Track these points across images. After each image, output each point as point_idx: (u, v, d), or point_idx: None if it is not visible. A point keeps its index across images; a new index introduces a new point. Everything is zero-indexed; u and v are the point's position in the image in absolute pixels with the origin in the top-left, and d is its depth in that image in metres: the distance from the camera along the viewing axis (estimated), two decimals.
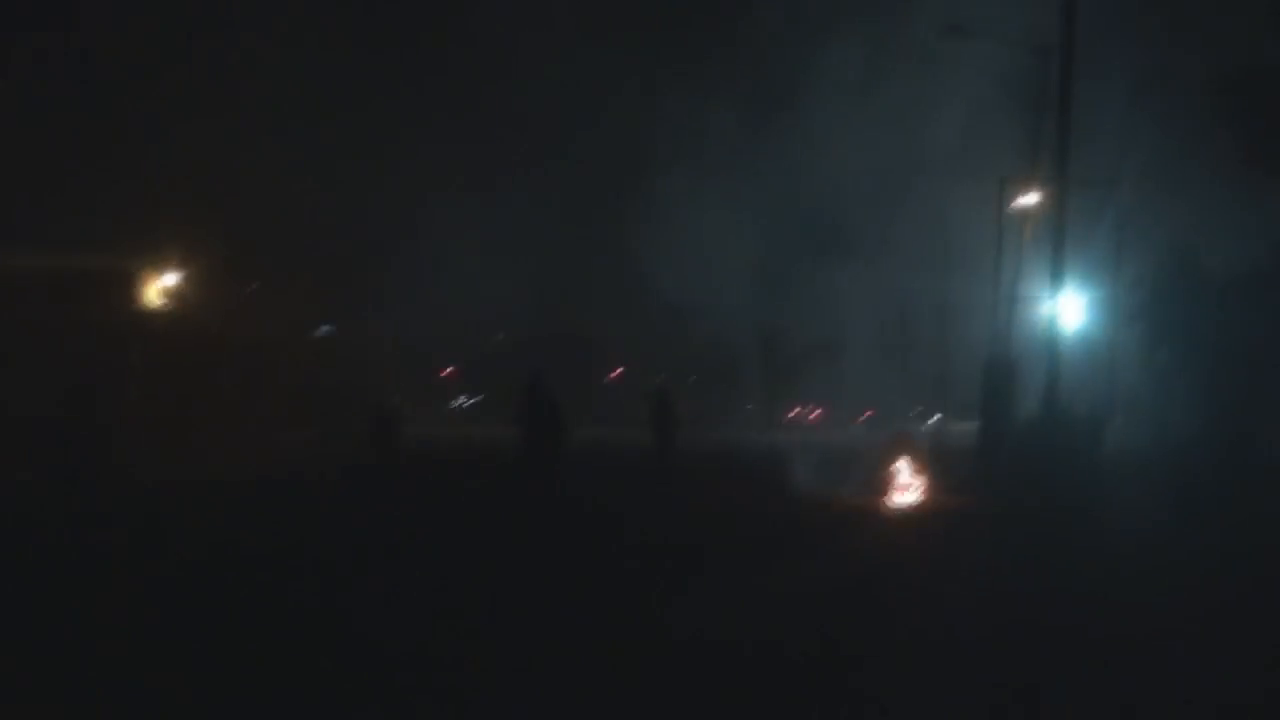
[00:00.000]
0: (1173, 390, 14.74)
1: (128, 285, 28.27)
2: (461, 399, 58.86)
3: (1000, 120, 29.94)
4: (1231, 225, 19.33)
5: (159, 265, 30.36)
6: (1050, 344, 12.60)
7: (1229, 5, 20.65)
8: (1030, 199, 28.75)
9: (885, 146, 33.58)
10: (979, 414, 24.91)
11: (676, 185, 34.80)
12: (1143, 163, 17.81)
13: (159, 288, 30.68)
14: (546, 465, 19.36)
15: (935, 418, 36.88)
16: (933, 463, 23.97)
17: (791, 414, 50.45)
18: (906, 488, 21.87)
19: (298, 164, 38.22)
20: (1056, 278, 12.61)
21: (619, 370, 59.18)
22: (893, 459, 23.33)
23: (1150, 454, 14.83)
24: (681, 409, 23.87)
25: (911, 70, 29.18)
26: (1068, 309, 22.59)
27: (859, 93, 31.56)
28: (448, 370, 56.28)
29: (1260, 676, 7.28)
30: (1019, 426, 14.44)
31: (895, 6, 30.58)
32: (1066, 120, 12.39)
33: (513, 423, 20.18)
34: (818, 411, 51.88)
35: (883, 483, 22.68)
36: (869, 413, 50.53)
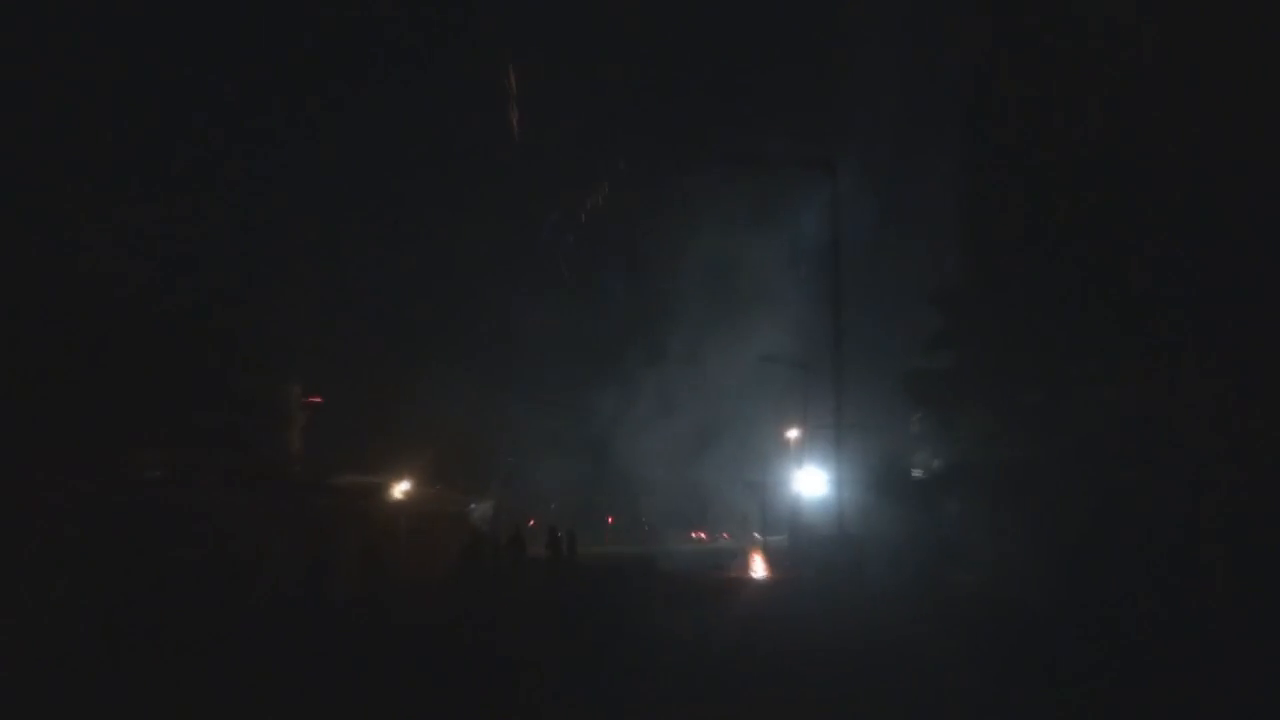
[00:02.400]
0: (888, 530, 28.41)
1: (388, 489, 42.04)
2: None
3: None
4: (932, 437, 34.00)
5: (399, 478, 41.77)
6: (840, 501, 27.50)
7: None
8: (794, 433, 52.86)
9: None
10: (788, 532, 50.95)
11: None
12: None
13: (404, 489, 42.59)
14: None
15: (755, 535, 65.49)
16: (769, 556, 50.22)
17: (693, 535, 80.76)
18: (759, 568, 47.67)
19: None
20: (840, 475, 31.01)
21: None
22: (750, 555, 49.87)
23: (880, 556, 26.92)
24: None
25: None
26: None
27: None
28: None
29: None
30: (817, 540, 38.22)
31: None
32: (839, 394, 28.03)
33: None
34: (702, 533, 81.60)
35: (747, 565, 48.46)
36: (725, 535, 79.79)
